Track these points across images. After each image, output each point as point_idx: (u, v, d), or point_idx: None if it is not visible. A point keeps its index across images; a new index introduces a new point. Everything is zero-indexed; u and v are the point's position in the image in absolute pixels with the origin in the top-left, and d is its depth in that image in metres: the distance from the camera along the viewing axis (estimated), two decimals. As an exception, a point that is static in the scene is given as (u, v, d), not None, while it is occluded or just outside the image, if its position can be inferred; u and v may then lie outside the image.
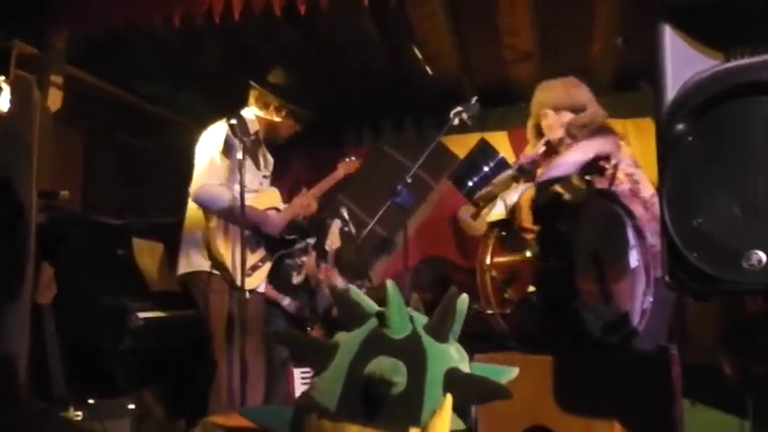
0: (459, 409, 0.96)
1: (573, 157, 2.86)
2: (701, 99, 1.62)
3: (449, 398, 0.94)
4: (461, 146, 4.45)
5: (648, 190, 2.96)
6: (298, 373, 3.50)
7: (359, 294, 1.06)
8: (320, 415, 0.95)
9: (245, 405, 3.03)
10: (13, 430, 2.88)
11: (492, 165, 3.05)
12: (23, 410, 3.10)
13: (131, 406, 3.22)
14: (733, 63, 1.64)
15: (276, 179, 4.11)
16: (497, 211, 3.06)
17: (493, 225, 3.02)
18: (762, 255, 1.49)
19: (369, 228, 3.33)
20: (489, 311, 2.93)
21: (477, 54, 4.45)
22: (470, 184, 3.08)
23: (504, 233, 2.91)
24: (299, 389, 3.46)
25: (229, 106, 3.49)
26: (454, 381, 0.96)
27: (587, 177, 3.02)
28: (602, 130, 3.08)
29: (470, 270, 5.08)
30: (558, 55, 4.29)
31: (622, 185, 2.93)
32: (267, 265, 3.42)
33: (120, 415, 3.17)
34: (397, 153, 5.25)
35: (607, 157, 2.96)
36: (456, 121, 3.06)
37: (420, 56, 4.28)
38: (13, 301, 3.30)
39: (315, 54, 4.31)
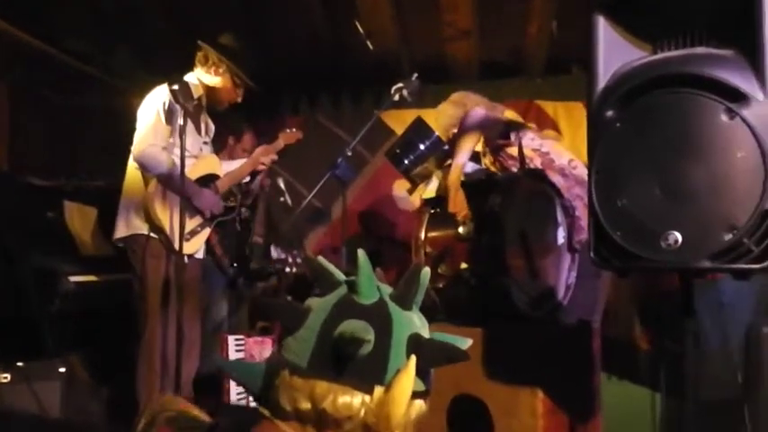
0: (421, 372, 1.05)
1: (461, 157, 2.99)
2: (629, 88, 1.74)
3: (412, 360, 1.03)
4: (398, 121, 4.52)
5: (562, 157, 3.07)
6: (232, 339, 3.53)
7: (329, 264, 1.13)
8: (292, 372, 1.02)
9: (181, 371, 3.05)
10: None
11: (428, 143, 3.14)
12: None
13: (62, 369, 3.19)
14: (660, 55, 1.76)
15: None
16: (432, 188, 3.17)
17: (427, 202, 3.12)
18: (678, 235, 1.62)
19: (307, 199, 3.36)
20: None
21: (416, 30, 4.51)
22: (406, 161, 3.17)
23: (437, 210, 3.00)
24: (233, 355, 3.49)
25: (166, 70, 3.45)
26: (417, 345, 1.06)
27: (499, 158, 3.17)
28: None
29: (403, 244, 5.20)
30: (495, 34, 4.39)
31: (534, 162, 3.05)
32: (206, 231, 3.43)
33: (50, 377, 3.13)
34: (335, 125, 5.27)
35: (507, 138, 3.11)
36: (396, 97, 3.11)
37: (361, 30, 4.30)
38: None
39: (254, 20, 4.27)
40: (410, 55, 4.78)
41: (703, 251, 1.60)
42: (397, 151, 3.21)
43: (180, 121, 2.98)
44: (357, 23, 4.24)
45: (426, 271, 1.14)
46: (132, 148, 3.20)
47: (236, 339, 3.54)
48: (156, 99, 3.21)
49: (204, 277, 3.89)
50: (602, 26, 1.84)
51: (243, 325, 4.57)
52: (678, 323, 1.80)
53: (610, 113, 1.78)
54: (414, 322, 1.10)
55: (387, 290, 1.12)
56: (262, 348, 3.57)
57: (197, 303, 3.39)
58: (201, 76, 3.43)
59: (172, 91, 2.94)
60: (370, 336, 1.01)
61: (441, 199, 3.00)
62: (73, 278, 3.56)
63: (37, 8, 3.99)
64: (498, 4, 4.16)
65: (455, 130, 3.23)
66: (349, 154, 3.06)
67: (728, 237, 1.57)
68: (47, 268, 3.50)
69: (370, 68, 4.75)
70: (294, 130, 4.39)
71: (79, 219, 4.05)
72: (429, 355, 1.06)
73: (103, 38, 4.27)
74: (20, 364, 3.09)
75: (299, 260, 3.81)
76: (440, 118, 3.35)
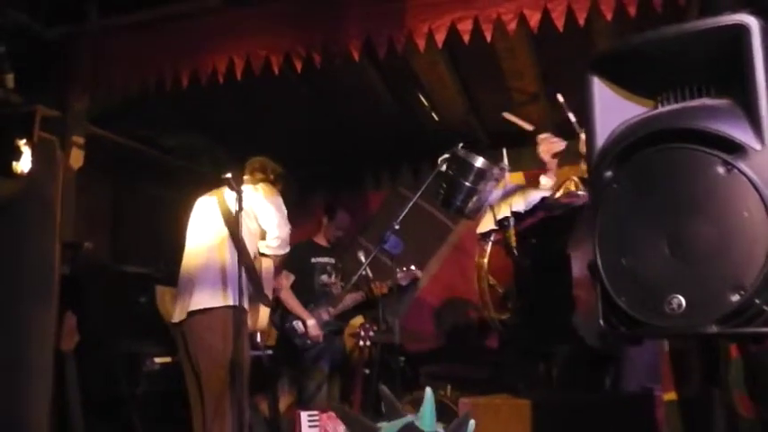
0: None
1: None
2: (624, 147, 1.68)
3: None
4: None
5: None
6: (305, 416, 3.58)
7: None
8: None
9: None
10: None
11: (471, 177, 2.98)
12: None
13: (144, 449, 3.34)
14: (652, 111, 1.69)
15: (298, 221, 4.32)
16: (486, 222, 3.09)
17: (484, 236, 3.07)
18: (681, 299, 1.52)
19: (357, 274, 3.41)
20: (489, 316, 2.98)
21: (484, 98, 4.55)
22: (457, 202, 3.03)
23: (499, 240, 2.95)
24: (306, 431, 3.54)
25: (246, 155, 3.70)
26: None
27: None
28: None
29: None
30: (564, 95, 4.33)
31: None
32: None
33: (134, 458, 3.29)
34: (415, 194, 5.33)
35: None
36: (443, 168, 3.12)
37: (426, 103, 4.40)
38: (39, 348, 3.51)
39: (322, 105, 4.47)
40: (481, 123, 4.81)
41: (710, 315, 1.49)
42: (443, 195, 3.08)
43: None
44: (421, 97, 4.33)
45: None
46: (275, 232, 3.49)
47: (310, 415, 3.58)
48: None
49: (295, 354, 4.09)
50: (597, 86, 1.80)
51: (335, 396, 4.64)
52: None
53: (608, 174, 1.72)
54: None
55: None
56: (336, 424, 3.59)
57: None
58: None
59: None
60: None
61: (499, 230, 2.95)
62: (158, 359, 3.75)
63: (132, 113, 4.39)
64: (563, 67, 4.13)
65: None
66: (397, 227, 3.07)
67: (736, 298, 1.45)
68: (134, 351, 3.72)
69: (446, 138, 4.80)
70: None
71: (170, 302, 4.30)
72: None
73: (189, 133, 4.61)
74: (107, 444, 3.26)
75: (371, 333, 3.85)
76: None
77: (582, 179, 3.17)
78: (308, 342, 4.38)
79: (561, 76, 4.22)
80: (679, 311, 1.51)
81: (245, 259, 3.26)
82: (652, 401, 2.54)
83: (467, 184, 2.93)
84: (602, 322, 1.71)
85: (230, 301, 3.30)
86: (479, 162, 2.95)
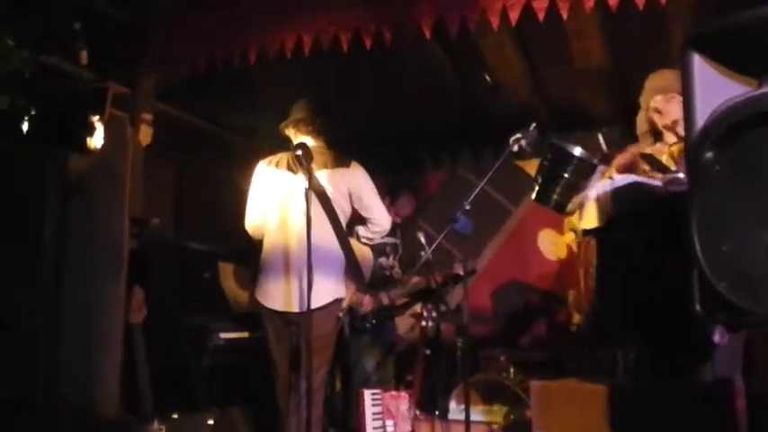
0: None
1: None
2: (727, 127, 1.61)
3: None
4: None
5: None
6: (368, 394, 3.58)
7: None
8: None
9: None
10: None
11: (570, 168, 2.72)
12: (114, 423, 3.35)
13: (210, 421, 3.39)
14: (760, 90, 1.62)
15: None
16: (590, 217, 2.82)
17: (586, 233, 2.81)
18: (789, 285, 1.46)
19: (427, 254, 3.38)
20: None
21: (550, 78, 4.46)
22: (555, 196, 2.79)
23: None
24: (370, 409, 3.54)
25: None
26: None
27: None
28: None
29: (549, 294, 5.06)
30: (634, 77, 4.23)
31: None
32: None
33: (200, 429, 3.34)
34: (475, 177, 5.30)
35: None
36: (515, 148, 3.05)
37: (490, 81, 4.33)
38: (109, 320, 3.60)
39: (386, 82, 4.44)
40: (547, 103, 4.72)
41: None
42: (539, 189, 2.85)
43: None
44: (486, 76, 4.26)
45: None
46: (384, 215, 3.53)
47: (373, 394, 3.59)
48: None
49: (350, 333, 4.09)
50: (698, 63, 1.73)
51: (389, 379, 4.64)
52: None
53: (708, 155, 1.66)
54: None
55: None
56: (398, 403, 3.59)
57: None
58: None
59: None
60: None
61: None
62: (223, 335, 3.81)
63: (200, 91, 4.42)
64: (634, 47, 4.02)
65: (656, 97, 3.06)
66: (467, 207, 3.04)
67: None
68: (200, 325, 3.78)
69: (509, 119, 4.74)
70: None
71: (232, 278, 4.37)
72: None
73: (253, 111, 4.64)
74: (174, 416, 3.32)
75: (434, 314, 3.83)
76: (653, 79, 3.15)
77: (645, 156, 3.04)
78: (366, 324, 4.39)
79: (630, 58, 4.13)
80: (787, 298, 1.46)
81: (348, 248, 3.28)
82: (733, 391, 2.47)
83: (566, 176, 2.69)
84: (698, 307, 1.66)
85: (341, 293, 3.32)
86: (578, 151, 2.70)
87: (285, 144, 3.60)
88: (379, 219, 3.53)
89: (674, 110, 3.01)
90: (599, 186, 2.75)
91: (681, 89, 3.01)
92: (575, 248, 4.68)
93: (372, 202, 3.49)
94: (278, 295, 3.28)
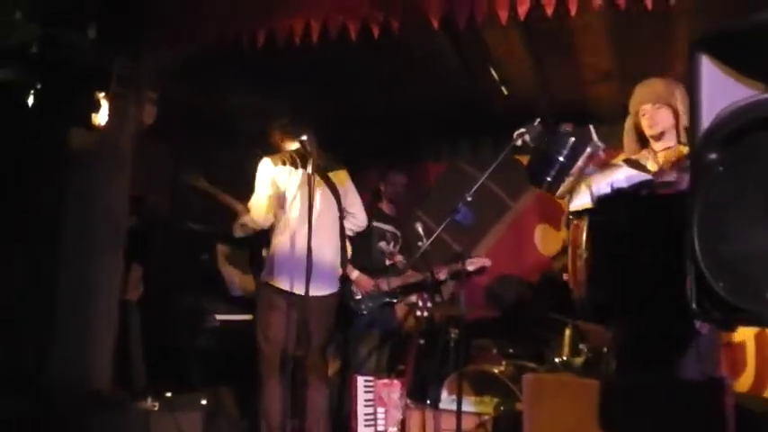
0: None
1: None
2: (733, 129, 1.63)
3: None
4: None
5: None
6: (361, 380, 3.61)
7: None
8: None
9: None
10: (96, 414, 3.16)
11: (565, 152, 2.77)
12: (106, 398, 3.37)
13: (204, 401, 3.42)
14: (766, 93, 1.64)
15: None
16: (582, 201, 2.82)
17: (577, 214, 2.78)
18: (785, 287, 1.49)
19: (426, 244, 3.40)
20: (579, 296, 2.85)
21: (554, 74, 4.47)
22: (548, 179, 2.80)
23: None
24: (362, 396, 3.57)
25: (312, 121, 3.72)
26: None
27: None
28: None
29: (543, 288, 5.08)
30: (638, 75, 4.24)
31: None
32: None
33: (193, 408, 3.36)
34: (475, 169, 5.31)
35: None
36: (519, 143, 3.07)
37: (496, 76, 4.34)
38: (105, 297, 3.61)
39: (392, 71, 4.44)
40: (551, 99, 4.73)
41: (816, 305, 1.45)
42: (533, 169, 2.86)
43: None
44: (492, 70, 4.27)
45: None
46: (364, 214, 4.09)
47: (366, 381, 3.62)
48: None
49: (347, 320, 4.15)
50: (705, 64, 1.74)
51: (383, 366, 4.68)
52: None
53: (712, 156, 1.67)
54: None
55: None
56: (390, 391, 3.62)
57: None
58: None
59: None
60: None
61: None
62: (219, 316, 3.83)
63: (200, 71, 4.41)
64: (639, 45, 4.03)
65: (646, 106, 3.13)
66: (469, 199, 3.06)
67: (842, 289, 1.42)
68: (196, 306, 3.80)
69: (510, 113, 4.75)
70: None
71: (230, 261, 4.38)
72: None
73: (251, 93, 4.62)
74: (168, 394, 3.35)
75: (429, 304, 3.85)
76: (644, 88, 3.22)
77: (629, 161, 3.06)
78: (362, 307, 4.42)
79: (635, 55, 4.14)
80: (782, 300, 1.48)
81: (344, 235, 3.87)
82: (723, 389, 2.50)
83: (561, 159, 2.74)
84: (694, 306, 1.68)
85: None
86: (574, 138, 2.78)
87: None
88: (359, 214, 4.07)
89: (663, 120, 3.11)
90: (594, 178, 2.81)
91: (668, 97, 3.11)
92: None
93: (356, 199, 4.05)
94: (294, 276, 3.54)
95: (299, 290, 3.30)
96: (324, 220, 3.68)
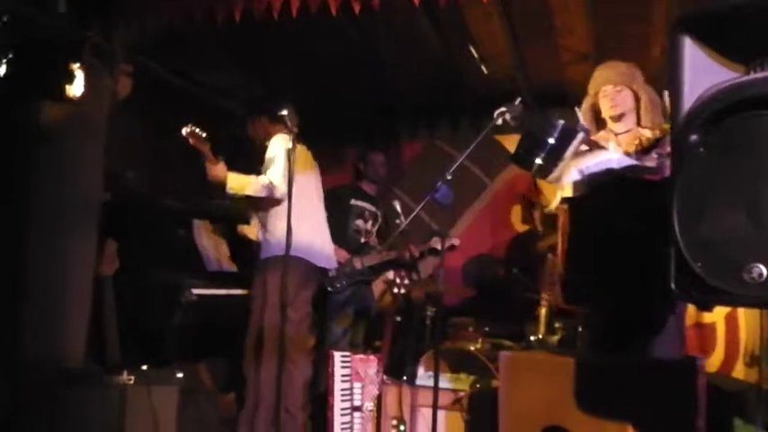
0: None
1: None
2: (714, 111, 1.65)
3: None
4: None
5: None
6: (338, 356, 3.61)
7: None
8: None
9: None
10: (69, 390, 3.13)
11: (556, 134, 2.71)
12: (79, 373, 3.33)
13: (179, 375, 3.39)
14: (748, 76, 1.66)
15: (332, 168, 4.34)
16: (571, 181, 2.88)
17: (565, 200, 2.87)
18: (762, 268, 1.51)
19: (405, 223, 3.41)
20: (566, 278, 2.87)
21: (532, 55, 4.47)
22: (539, 161, 2.73)
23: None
24: (339, 371, 3.58)
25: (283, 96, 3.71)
26: None
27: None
28: None
29: (521, 267, 5.12)
30: (615, 57, 4.26)
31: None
32: None
33: (169, 383, 3.33)
34: (452, 149, 5.32)
35: None
36: (499, 122, 3.06)
37: (476, 55, 4.33)
38: (78, 272, 3.56)
39: (371, 49, 4.41)
40: (528, 79, 4.74)
41: (791, 285, 1.48)
42: (521, 152, 2.81)
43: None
44: (472, 49, 4.26)
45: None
46: None
47: (342, 356, 3.62)
48: None
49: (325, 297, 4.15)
50: (688, 46, 1.75)
51: (358, 343, 4.70)
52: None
53: (693, 138, 1.69)
54: None
55: None
56: (367, 366, 3.63)
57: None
58: None
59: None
60: None
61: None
62: (196, 291, 3.81)
63: (179, 49, 4.34)
64: (617, 27, 4.05)
65: (606, 87, 3.15)
66: (449, 178, 3.06)
67: (817, 269, 1.45)
68: (172, 281, 3.77)
69: (488, 93, 4.76)
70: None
71: (207, 236, 4.35)
72: None
73: (225, 70, 4.58)
74: (143, 368, 3.32)
75: (406, 281, 3.86)
76: (604, 70, 3.24)
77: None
78: (336, 284, 4.42)
79: (614, 36, 4.16)
80: (759, 280, 1.51)
81: None
82: (695, 370, 2.55)
83: (551, 141, 2.69)
84: (672, 285, 1.71)
85: None
86: (562, 120, 2.74)
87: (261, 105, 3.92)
88: None
89: (623, 102, 3.15)
90: (581, 162, 2.82)
91: (630, 79, 3.14)
92: (538, 224, 4.78)
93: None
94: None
95: (323, 263, 3.86)
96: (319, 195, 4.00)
